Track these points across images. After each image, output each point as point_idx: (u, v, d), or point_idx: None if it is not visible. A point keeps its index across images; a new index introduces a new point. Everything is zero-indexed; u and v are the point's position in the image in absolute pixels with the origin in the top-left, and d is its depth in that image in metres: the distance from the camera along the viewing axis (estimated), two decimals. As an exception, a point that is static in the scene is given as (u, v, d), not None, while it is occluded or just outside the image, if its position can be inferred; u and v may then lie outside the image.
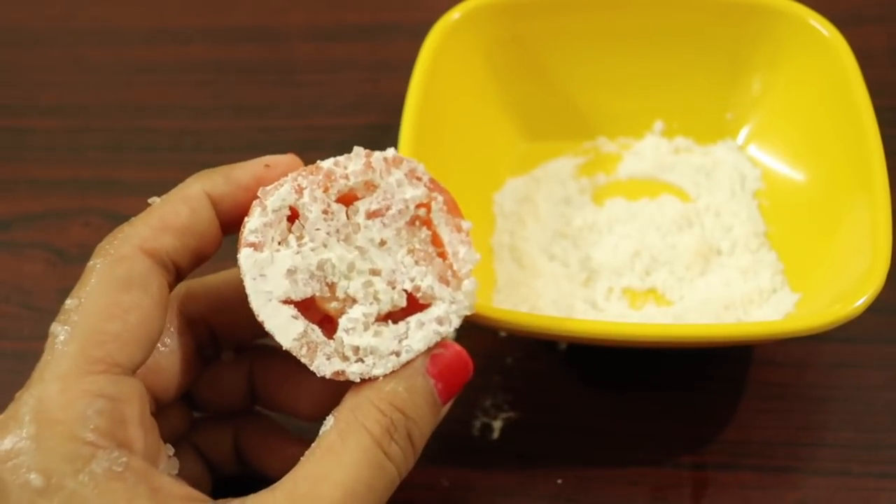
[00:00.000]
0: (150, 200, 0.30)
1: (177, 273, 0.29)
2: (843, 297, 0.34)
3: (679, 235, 0.43)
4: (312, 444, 0.28)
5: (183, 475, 0.29)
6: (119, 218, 0.29)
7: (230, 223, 0.30)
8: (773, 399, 0.40)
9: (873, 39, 0.52)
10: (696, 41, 0.45)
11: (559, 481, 0.38)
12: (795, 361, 0.41)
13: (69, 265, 0.47)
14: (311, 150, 0.49)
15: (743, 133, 0.46)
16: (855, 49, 0.40)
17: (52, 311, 0.27)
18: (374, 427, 0.28)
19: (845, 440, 0.39)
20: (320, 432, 0.29)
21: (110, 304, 0.27)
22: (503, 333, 0.42)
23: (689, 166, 0.46)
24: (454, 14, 0.43)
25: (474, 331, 0.42)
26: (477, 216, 0.44)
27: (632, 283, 0.42)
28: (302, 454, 0.28)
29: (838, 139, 0.40)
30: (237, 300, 0.29)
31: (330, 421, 0.29)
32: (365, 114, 0.52)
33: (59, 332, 0.26)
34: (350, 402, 0.29)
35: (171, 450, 0.29)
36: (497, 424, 0.40)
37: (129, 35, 0.57)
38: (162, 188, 0.32)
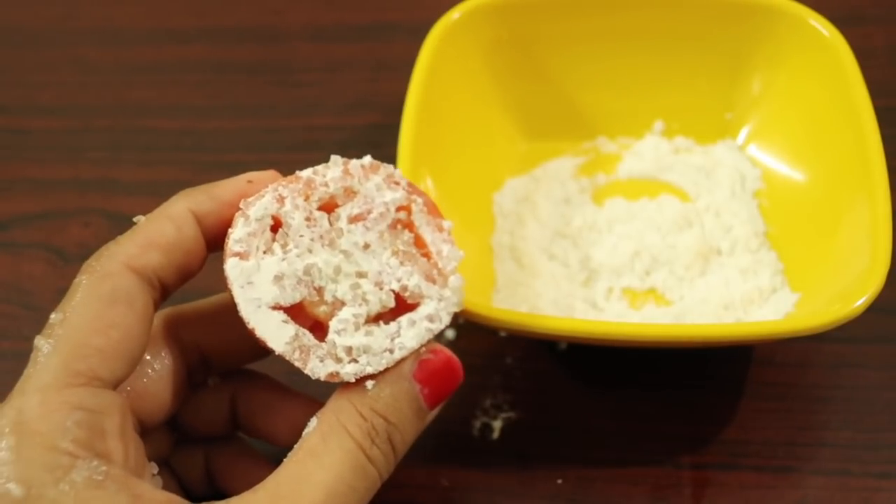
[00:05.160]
0: (135, 219, 0.30)
1: (163, 290, 0.29)
2: (842, 297, 0.34)
3: (679, 235, 0.43)
4: (294, 446, 0.28)
5: None
6: (119, 218, 0.29)
7: (215, 240, 0.30)
8: (773, 399, 0.40)
9: (873, 39, 0.52)
10: (696, 41, 0.44)
11: (559, 481, 0.38)
12: (795, 361, 0.41)
13: (69, 265, 0.47)
14: (311, 150, 0.50)
15: (743, 133, 0.46)
16: (855, 49, 0.40)
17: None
18: (355, 430, 0.28)
19: (845, 440, 0.39)
20: (303, 434, 0.29)
21: (94, 319, 0.27)
22: (503, 333, 0.42)
23: (689, 166, 0.46)
24: (454, 14, 0.43)
25: (474, 331, 0.42)
26: (477, 216, 0.44)
27: (632, 283, 0.42)
28: None
29: (838, 139, 0.40)
30: (228, 323, 0.29)
31: (313, 423, 0.29)
32: (365, 114, 0.52)
33: (43, 345, 0.27)
34: (333, 404, 0.29)
35: (154, 468, 0.29)
36: (497, 424, 0.40)
37: (129, 35, 0.57)
38: (162, 188, 0.32)
